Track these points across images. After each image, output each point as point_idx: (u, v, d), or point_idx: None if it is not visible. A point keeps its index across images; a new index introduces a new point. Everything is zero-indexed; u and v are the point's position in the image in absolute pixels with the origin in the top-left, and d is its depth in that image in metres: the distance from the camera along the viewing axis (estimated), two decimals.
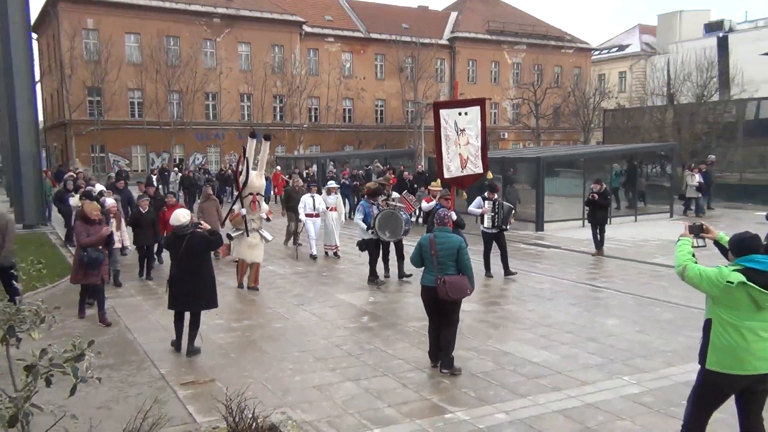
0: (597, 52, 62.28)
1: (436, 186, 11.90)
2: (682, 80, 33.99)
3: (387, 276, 12.03)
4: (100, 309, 9.01)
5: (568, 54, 58.06)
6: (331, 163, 32.56)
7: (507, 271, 12.08)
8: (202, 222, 8.43)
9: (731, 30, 49.30)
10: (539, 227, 18.21)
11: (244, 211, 10.89)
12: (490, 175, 11.24)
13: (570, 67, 57.64)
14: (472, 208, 12.25)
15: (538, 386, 6.61)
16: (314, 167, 30.78)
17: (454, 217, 9.26)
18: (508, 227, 12.29)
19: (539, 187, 18.67)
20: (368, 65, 50.54)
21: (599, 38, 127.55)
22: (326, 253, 14.53)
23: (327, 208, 14.41)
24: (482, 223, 12.08)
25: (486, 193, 12.18)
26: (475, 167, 10.22)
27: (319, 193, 15.03)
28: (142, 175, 34.57)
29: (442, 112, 10.02)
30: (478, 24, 54.90)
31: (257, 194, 11.07)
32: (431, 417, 5.88)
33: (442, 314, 7.02)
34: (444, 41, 53.09)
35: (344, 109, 50.06)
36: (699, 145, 28.92)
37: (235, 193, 11.81)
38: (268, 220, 11.68)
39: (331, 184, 15.55)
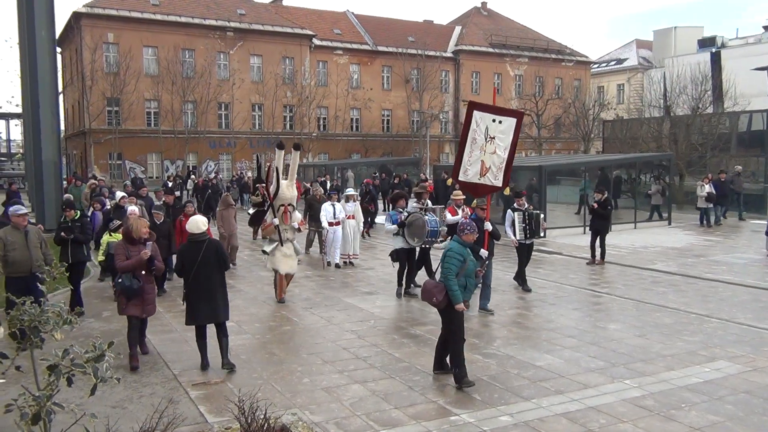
0: (596, 65, 63.52)
1: (458, 195, 11.55)
2: (677, 93, 34.81)
3: (417, 286, 11.27)
4: (131, 346, 7.73)
5: (568, 67, 59.39)
6: (349, 170, 33.39)
7: (519, 279, 11.88)
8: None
9: (723, 46, 50.80)
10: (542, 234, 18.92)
11: (276, 221, 10.73)
12: (507, 191, 10.65)
13: (570, 80, 58.94)
14: (507, 227, 11.71)
15: (542, 389, 6.70)
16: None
17: (489, 227, 9.56)
18: (544, 233, 11.80)
19: (542, 194, 19.31)
20: (375, 76, 51.90)
21: (598, 52, 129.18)
22: (345, 262, 14.40)
23: (345, 216, 14.29)
24: (514, 235, 11.55)
25: (514, 203, 11.81)
26: (495, 179, 9.35)
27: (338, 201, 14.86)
28: (157, 182, 35.95)
29: (476, 114, 9.15)
30: (481, 38, 56.36)
31: (289, 205, 10.89)
32: (437, 419, 5.97)
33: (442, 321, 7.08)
34: (448, 54, 54.46)
35: (352, 119, 51.36)
36: (695, 156, 30.09)
37: (249, 201, 12.19)
38: (299, 230, 11.43)
39: (350, 191, 15.49)
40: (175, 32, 43.14)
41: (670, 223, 21.99)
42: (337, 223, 14.18)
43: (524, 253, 11.77)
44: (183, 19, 43.62)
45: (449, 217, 11.56)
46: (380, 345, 8.38)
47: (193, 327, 7.52)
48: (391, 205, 11.94)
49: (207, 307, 7.29)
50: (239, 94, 45.23)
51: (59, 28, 35.86)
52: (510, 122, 9.25)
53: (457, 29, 57.43)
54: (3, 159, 55.30)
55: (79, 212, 10.35)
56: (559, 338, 8.70)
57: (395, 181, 25.85)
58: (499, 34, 56.88)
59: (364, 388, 6.78)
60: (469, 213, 10.83)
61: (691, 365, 7.53)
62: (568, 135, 52.05)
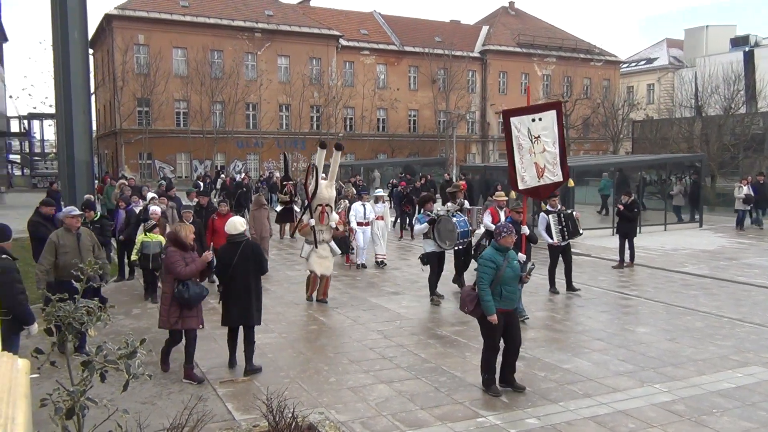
0: (625, 65, 62.81)
1: (500, 196, 11.32)
2: (709, 93, 34.36)
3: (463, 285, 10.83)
4: (188, 362, 7.09)
5: (596, 66, 58.78)
6: (376, 170, 33.36)
7: (570, 286, 11.52)
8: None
9: (757, 45, 49.83)
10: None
11: (312, 221, 10.53)
12: (571, 183, 10.14)
13: (599, 79, 58.31)
14: (541, 230, 11.41)
15: (570, 392, 6.62)
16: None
17: (527, 231, 9.42)
18: (582, 231, 11.52)
19: (570, 195, 18.69)
20: (402, 77, 51.95)
21: (627, 52, 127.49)
22: (377, 262, 14.30)
23: (374, 217, 14.13)
24: (551, 238, 11.28)
25: (548, 205, 11.48)
26: (554, 175, 9.10)
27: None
28: (186, 182, 36.35)
29: (513, 120, 9.01)
30: (508, 37, 56.09)
31: (326, 205, 10.67)
32: (463, 420, 5.94)
33: None
34: (475, 54, 54.31)
35: (378, 119, 51.49)
36: (727, 157, 29.60)
37: (277, 201, 12.00)
38: (337, 229, 11.17)
39: (379, 192, 15.31)
40: (204, 33, 43.68)
41: (701, 225, 21.59)
42: (367, 224, 14.05)
43: (559, 254, 11.46)
44: (212, 21, 44.15)
45: (487, 221, 11.15)
46: (406, 345, 8.37)
47: (226, 326, 7.56)
48: (419, 207, 11.64)
49: (239, 309, 7.24)
50: (267, 95, 45.61)
51: (91, 30, 36.61)
52: (550, 116, 9.04)
53: (485, 29, 57.22)
54: (37, 158, 56.48)
55: (98, 214, 10.01)
56: (587, 341, 8.61)
57: (421, 182, 25.76)
58: (527, 33, 56.55)
59: (390, 388, 6.78)
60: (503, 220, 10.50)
61: (722, 370, 7.40)
62: (597, 135, 51.53)
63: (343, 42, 48.95)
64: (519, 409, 6.22)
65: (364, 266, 14.15)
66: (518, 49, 55.46)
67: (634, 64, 63.55)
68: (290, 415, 4.88)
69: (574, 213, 11.56)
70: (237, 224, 7.45)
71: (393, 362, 7.68)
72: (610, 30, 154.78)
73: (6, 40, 46.29)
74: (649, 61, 62.40)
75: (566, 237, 11.22)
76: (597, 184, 24.14)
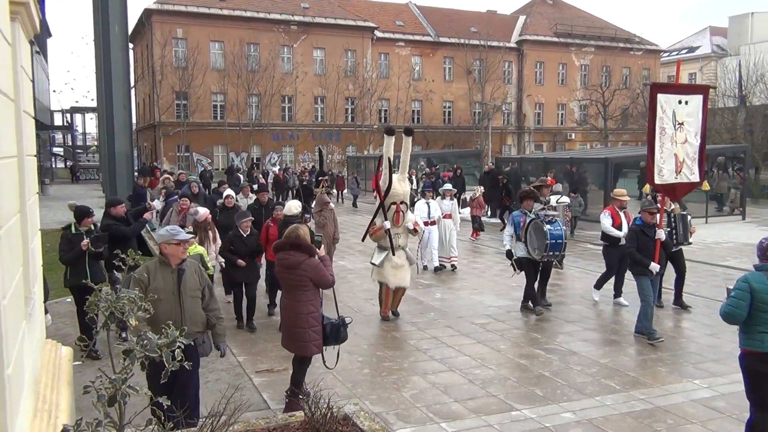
0: (666, 54, 61.40)
1: (621, 195, 10.11)
2: (754, 82, 33.53)
3: (547, 304, 10.02)
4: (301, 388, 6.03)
5: (636, 56, 57.57)
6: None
7: (679, 301, 9.98)
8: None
9: None
10: None
11: (387, 224, 9.04)
12: (706, 186, 8.88)
13: (639, 69, 57.09)
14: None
15: (606, 387, 6.54)
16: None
17: (663, 236, 8.35)
18: (691, 241, 10.04)
19: (607, 187, 18.74)
20: (437, 68, 51.68)
21: (668, 40, 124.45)
22: (443, 266, 13.09)
23: (441, 215, 13.02)
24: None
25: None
26: (691, 174, 8.02)
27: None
28: (221, 174, 36.60)
29: (660, 97, 7.82)
30: (545, 27, 55.30)
31: (401, 203, 9.07)
32: (497, 414, 5.91)
33: None
34: (512, 44, 53.72)
35: (413, 111, 51.32)
36: None
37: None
38: (414, 232, 9.59)
39: (447, 187, 14.13)
40: (241, 27, 44.07)
41: (744, 218, 21.13)
42: (433, 223, 12.82)
43: (667, 260, 9.81)
44: (248, 14, 44.52)
45: (607, 224, 9.93)
46: (440, 338, 8.37)
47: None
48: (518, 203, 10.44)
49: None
50: (302, 87, 45.83)
51: (131, 25, 37.22)
52: (697, 101, 8.13)
53: (521, 19, 56.53)
54: (79, 151, 57.87)
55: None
56: (624, 335, 8.50)
57: (457, 173, 25.71)
58: (565, 23, 55.68)
59: (424, 380, 6.79)
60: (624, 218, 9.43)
61: None
62: (636, 126, 50.45)
63: (378, 34, 48.89)
64: (554, 403, 6.15)
65: (437, 269, 12.99)
66: (555, 39, 54.64)
67: (675, 53, 62.00)
68: (325, 405, 4.91)
69: (688, 217, 10.07)
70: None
71: (426, 354, 7.69)
72: (651, 18, 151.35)
73: (50, 35, 47.41)
74: (692, 49, 60.89)
75: (674, 241, 9.64)
76: (633, 176, 23.69)
